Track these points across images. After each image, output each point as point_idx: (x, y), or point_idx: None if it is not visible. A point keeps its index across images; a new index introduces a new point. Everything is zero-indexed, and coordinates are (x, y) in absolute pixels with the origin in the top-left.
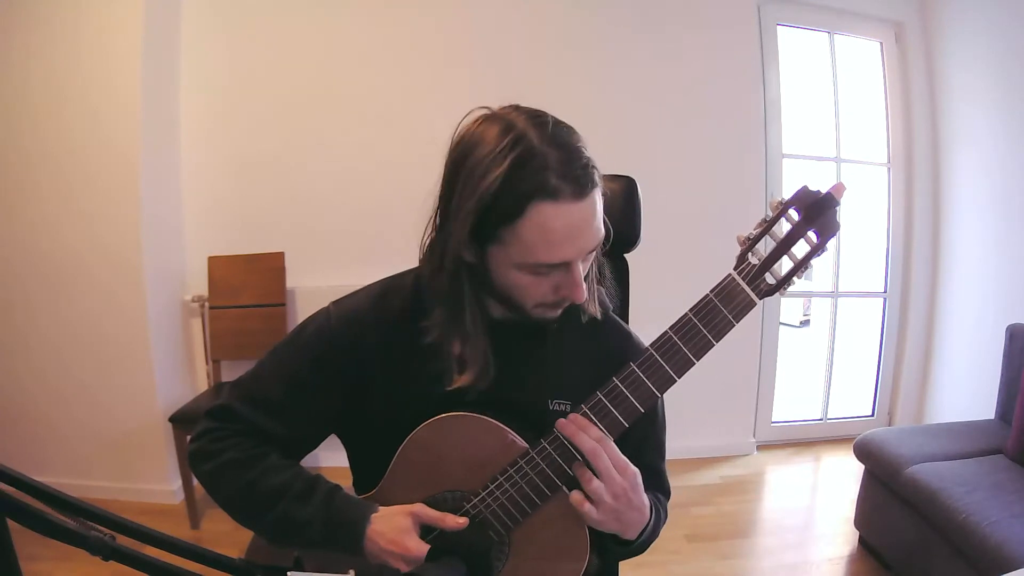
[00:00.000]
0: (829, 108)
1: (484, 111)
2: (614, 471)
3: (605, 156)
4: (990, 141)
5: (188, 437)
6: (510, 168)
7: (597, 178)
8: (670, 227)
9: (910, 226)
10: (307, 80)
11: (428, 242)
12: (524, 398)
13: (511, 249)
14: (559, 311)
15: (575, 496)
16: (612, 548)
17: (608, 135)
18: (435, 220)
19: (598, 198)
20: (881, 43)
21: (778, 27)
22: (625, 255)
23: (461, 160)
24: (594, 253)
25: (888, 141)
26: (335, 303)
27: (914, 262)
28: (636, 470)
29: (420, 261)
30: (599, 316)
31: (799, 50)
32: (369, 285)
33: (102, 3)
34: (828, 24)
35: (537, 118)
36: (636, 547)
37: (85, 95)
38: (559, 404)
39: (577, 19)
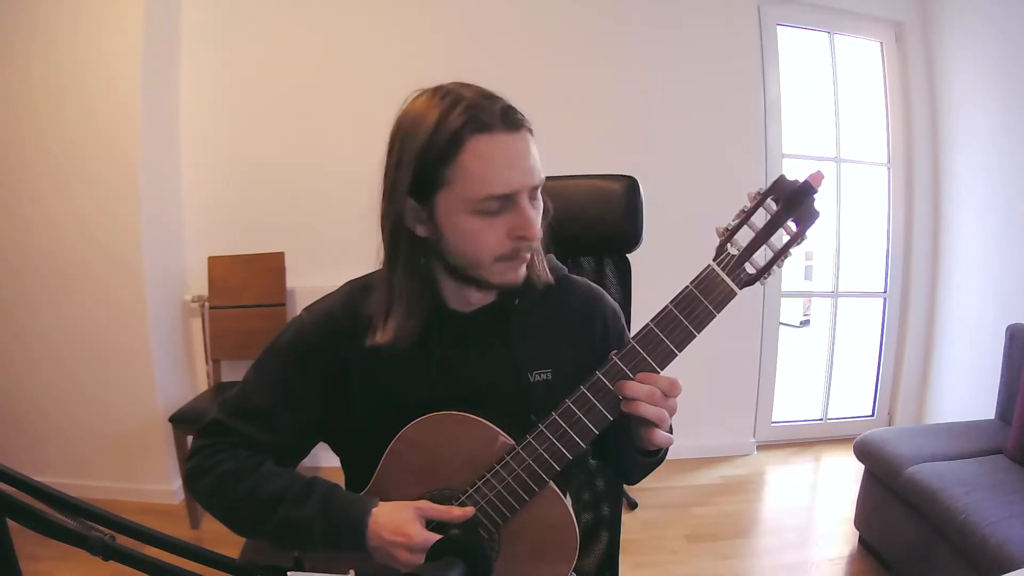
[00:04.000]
0: (829, 108)
1: (417, 91)
2: (673, 401)
3: (606, 156)
4: (990, 141)
5: (188, 444)
6: (441, 113)
7: (527, 123)
8: (670, 227)
9: (910, 226)
10: (307, 80)
11: (384, 236)
12: (504, 379)
13: (457, 188)
14: (521, 268)
15: (656, 437)
16: (641, 463)
17: (609, 135)
18: (384, 200)
19: (531, 140)
20: (881, 43)
21: (778, 27)
22: (628, 255)
23: (395, 132)
24: (540, 202)
25: (888, 141)
26: (307, 308)
27: (914, 262)
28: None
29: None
30: (552, 280)
31: (799, 50)
32: (339, 288)
33: (102, 3)
34: (828, 24)
35: (463, 83)
36: (663, 454)
37: (85, 95)
38: (539, 375)
39: (578, 20)
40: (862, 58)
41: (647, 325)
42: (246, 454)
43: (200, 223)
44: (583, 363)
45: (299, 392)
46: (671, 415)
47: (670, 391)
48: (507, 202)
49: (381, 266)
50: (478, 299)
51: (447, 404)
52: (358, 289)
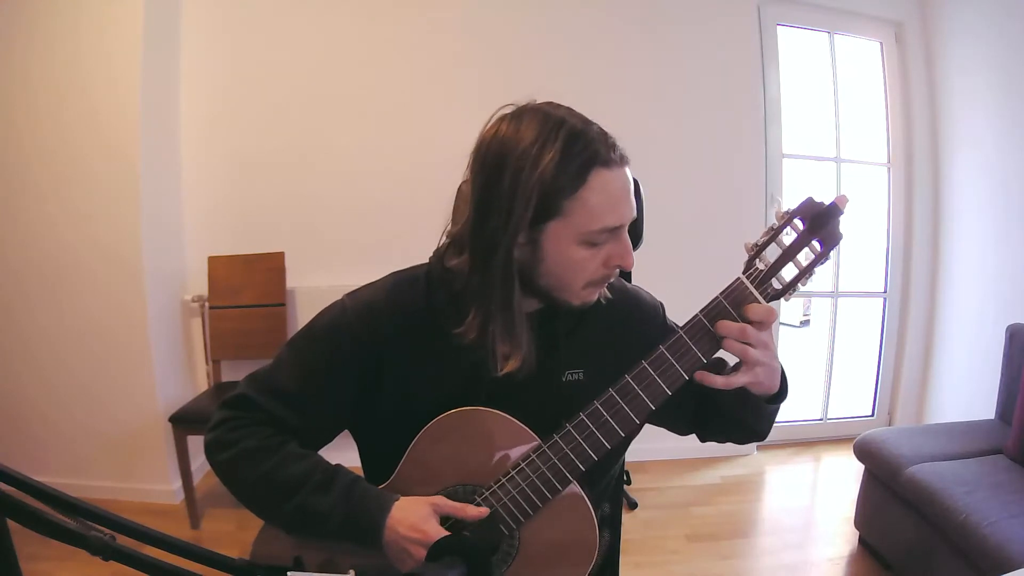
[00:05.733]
0: (829, 108)
1: (508, 109)
2: (765, 336)
3: None
4: (990, 141)
5: (208, 426)
6: (566, 144)
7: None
8: (670, 227)
9: (910, 226)
10: (307, 80)
11: (456, 242)
12: (538, 379)
13: (575, 219)
14: (600, 290)
15: (738, 379)
16: (768, 410)
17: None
18: (471, 220)
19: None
20: (881, 43)
21: (778, 27)
22: None
23: (501, 153)
24: None
25: (888, 141)
26: (349, 295)
27: (914, 262)
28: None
29: (436, 257)
30: (606, 298)
31: (799, 50)
32: (382, 278)
33: (102, 3)
34: (828, 24)
35: (565, 107)
36: (783, 393)
37: (85, 95)
38: (572, 374)
39: (578, 20)
40: (862, 58)
41: (676, 333)
42: (270, 432)
43: (200, 223)
44: (618, 362)
45: (329, 379)
46: (762, 348)
47: (767, 318)
48: (612, 234)
49: (431, 262)
50: (530, 304)
51: (476, 400)
52: (403, 282)
